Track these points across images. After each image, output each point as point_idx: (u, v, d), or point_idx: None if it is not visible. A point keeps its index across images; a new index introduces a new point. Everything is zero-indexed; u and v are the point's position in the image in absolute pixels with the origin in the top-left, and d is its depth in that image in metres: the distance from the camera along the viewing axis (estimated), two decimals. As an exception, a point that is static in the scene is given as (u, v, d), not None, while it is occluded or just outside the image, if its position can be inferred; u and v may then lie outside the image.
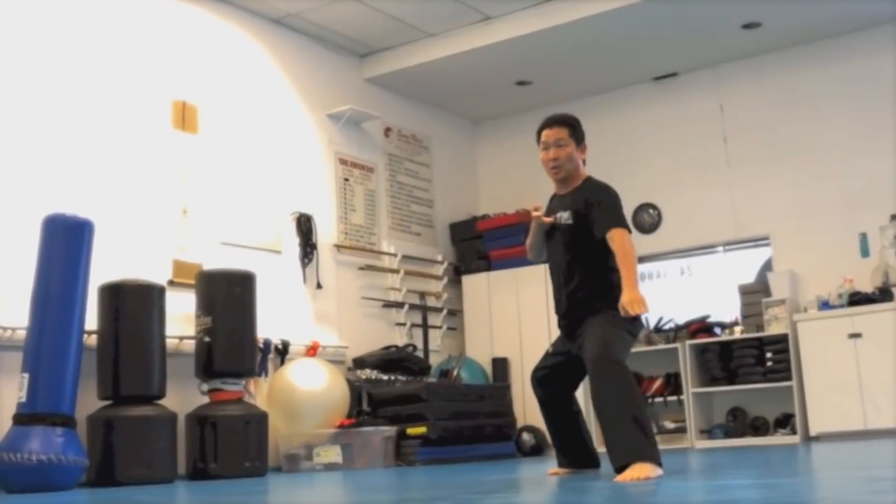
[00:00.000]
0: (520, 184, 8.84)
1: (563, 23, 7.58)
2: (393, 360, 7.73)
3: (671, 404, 8.14)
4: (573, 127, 4.13)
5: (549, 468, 4.45)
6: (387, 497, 3.59)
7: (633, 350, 7.98)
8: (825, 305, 7.55)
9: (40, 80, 6.06)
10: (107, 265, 5.84)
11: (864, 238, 7.74)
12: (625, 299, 3.86)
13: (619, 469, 3.65)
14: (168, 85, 6.84)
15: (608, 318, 3.99)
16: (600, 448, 4.17)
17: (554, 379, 4.31)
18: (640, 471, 3.56)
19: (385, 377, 7.54)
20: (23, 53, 6.01)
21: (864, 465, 4.14)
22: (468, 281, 8.93)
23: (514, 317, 8.42)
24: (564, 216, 4.09)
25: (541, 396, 4.36)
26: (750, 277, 8.35)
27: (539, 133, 4.18)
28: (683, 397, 7.97)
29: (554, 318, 4.41)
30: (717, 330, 8.10)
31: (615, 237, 3.96)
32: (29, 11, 6.09)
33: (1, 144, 5.80)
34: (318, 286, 7.67)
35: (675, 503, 2.58)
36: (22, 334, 5.38)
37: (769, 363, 7.73)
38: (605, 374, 3.88)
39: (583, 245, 4.06)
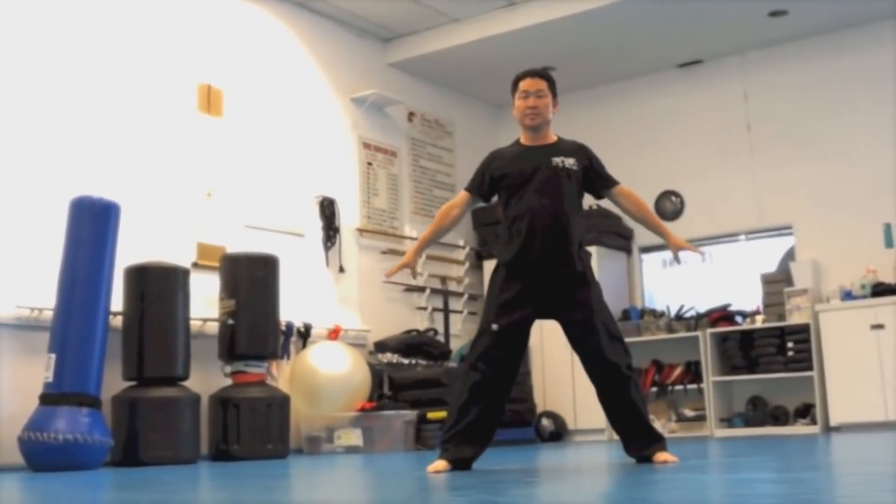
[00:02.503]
0: (542, 170, 8.82)
1: (588, 9, 7.55)
2: (414, 344, 7.75)
3: (691, 392, 8.13)
4: (551, 81, 4.21)
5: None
6: (411, 482, 3.62)
7: (653, 338, 8.11)
8: (848, 296, 7.51)
9: (69, 65, 6.10)
10: (132, 247, 5.89)
11: (888, 228, 7.68)
12: (681, 242, 4.19)
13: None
14: (194, 68, 6.86)
15: (601, 295, 4.11)
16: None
17: (515, 357, 4.10)
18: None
19: (406, 361, 7.57)
20: (53, 39, 6.04)
21: (887, 460, 4.13)
22: (490, 266, 8.91)
23: (534, 302, 8.41)
24: (569, 161, 4.09)
25: (493, 380, 4.03)
26: (772, 266, 8.32)
27: (516, 83, 4.19)
28: (703, 385, 7.95)
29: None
30: (739, 318, 8.08)
31: (625, 190, 4.23)
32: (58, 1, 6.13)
33: (29, 128, 5.85)
34: (341, 270, 7.70)
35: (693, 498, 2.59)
36: (49, 315, 5.44)
37: (790, 353, 7.70)
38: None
39: (576, 193, 4.13)
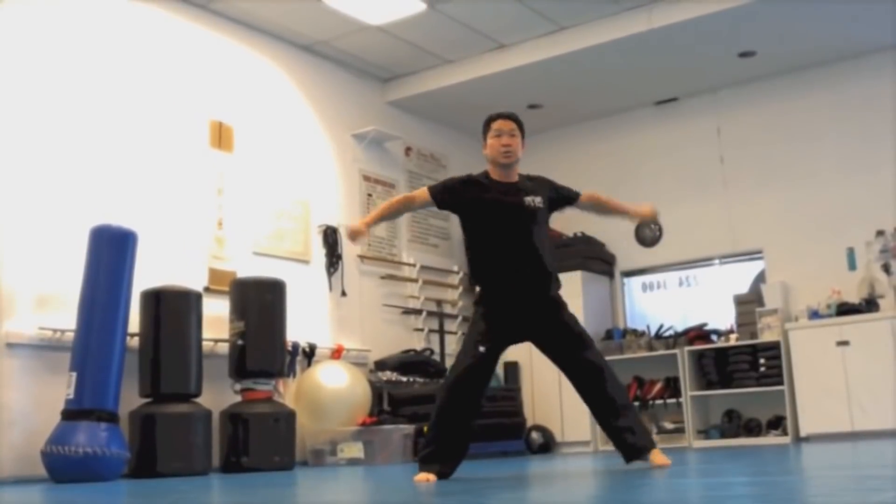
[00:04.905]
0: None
1: (572, 50, 7.58)
2: (411, 362, 7.71)
3: (670, 406, 8.10)
4: (520, 124, 4.23)
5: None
6: (405, 490, 3.59)
7: (635, 356, 8.09)
8: (815, 315, 7.50)
9: (91, 103, 6.11)
10: (149, 272, 5.87)
11: (851, 252, 7.69)
12: (644, 211, 4.53)
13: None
14: (206, 107, 6.87)
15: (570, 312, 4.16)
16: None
17: (488, 379, 4.08)
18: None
19: (404, 379, 7.53)
20: (75, 80, 6.05)
21: (854, 465, 4.10)
22: (482, 290, 8.89)
23: (524, 323, 8.38)
24: (538, 200, 4.10)
25: (473, 396, 4.00)
26: (744, 288, 8.30)
27: (489, 123, 4.18)
28: (682, 400, 7.92)
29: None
30: (714, 337, 8.06)
31: (586, 195, 4.36)
32: (82, 42, 6.14)
33: (53, 161, 5.85)
34: (343, 294, 7.67)
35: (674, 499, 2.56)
36: (70, 336, 5.42)
37: (762, 368, 7.67)
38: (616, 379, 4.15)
39: (545, 227, 4.17)
